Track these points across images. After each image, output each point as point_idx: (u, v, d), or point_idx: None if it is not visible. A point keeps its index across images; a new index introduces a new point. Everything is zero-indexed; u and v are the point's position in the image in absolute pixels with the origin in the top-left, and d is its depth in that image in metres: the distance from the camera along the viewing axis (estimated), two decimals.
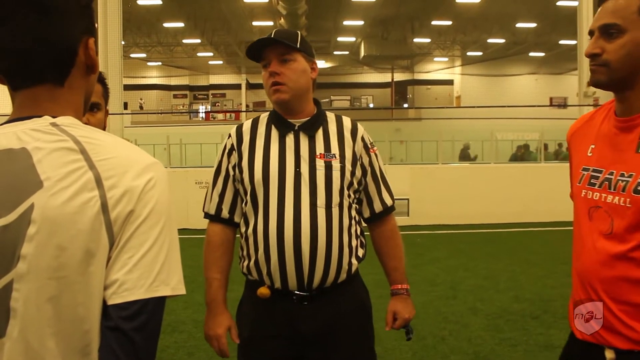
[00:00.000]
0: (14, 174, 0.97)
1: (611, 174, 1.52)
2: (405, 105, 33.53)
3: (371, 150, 2.11)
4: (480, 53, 30.09)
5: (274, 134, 2.02)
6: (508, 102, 26.31)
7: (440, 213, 9.92)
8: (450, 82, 33.72)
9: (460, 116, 21.51)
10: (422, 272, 6.66)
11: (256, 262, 1.97)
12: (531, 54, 28.74)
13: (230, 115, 28.71)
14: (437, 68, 33.55)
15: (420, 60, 32.61)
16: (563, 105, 25.06)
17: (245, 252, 2.03)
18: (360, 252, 2.08)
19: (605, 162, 1.56)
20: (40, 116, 1.03)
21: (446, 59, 32.66)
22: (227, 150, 2.07)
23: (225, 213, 2.08)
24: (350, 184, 2.02)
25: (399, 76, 34.08)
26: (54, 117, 1.04)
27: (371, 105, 33.82)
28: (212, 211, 2.10)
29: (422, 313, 5.08)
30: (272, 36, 1.96)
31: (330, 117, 2.09)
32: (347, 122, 2.10)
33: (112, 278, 0.97)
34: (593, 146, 1.62)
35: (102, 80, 1.85)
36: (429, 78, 34.04)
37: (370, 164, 2.10)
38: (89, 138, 1.02)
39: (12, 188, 0.96)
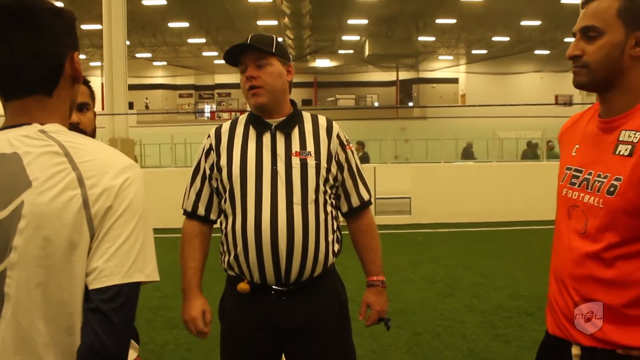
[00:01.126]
0: (6, 175, 1.10)
1: (590, 174, 1.56)
2: (410, 104, 33.55)
3: (347, 147, 2.17)
4: (485, 51, 30.10)
5: (252, 133, 2.09)
6: (514, 100, 26.31)
7: (442, 211, 9.96)
8: (455, 81, 33.75)
9: (465, 115, 21.53)
10: (421, 270, 6.72)
11: (235, 257, 2.04)
12: (536, 51, 28.74)
13: (236, 114, 28.68)
14: (442, 66, 33.58)
15: (425, 58, 32.65)
16: (569, 103, 25.01)
17: (225, 248, 2.10)
18: (336, 247, 2.14)
19: (586, 162, 1.60)
20: (30, 124, 1.16)
21: (451, 57, 32.69)
22: (205, 150, 2.14)
23: (201, 210, 2.15)
24: (326, 180, 2.08)
25: (403, 75, 34.15)
26: (42, 124, 1.16)
27: (376, 104, 33.86)
28: (189, 208, 2.17)
29: (419, 310, 5.16)
30: (248, 42, 2.03)
31: (306, 116, 2.16)
32: (322, 120, 2.16)
33: (93, 266, 1.09)
34: (578, 146, 1.65)
35: (86, 82, 1.94)
36: (434, 76, 34.07)
37: (347, 160, 2.16)
38: (72, 142, 1.14)
39: (5, 188, 1.09)
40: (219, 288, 2.25)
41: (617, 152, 1.49)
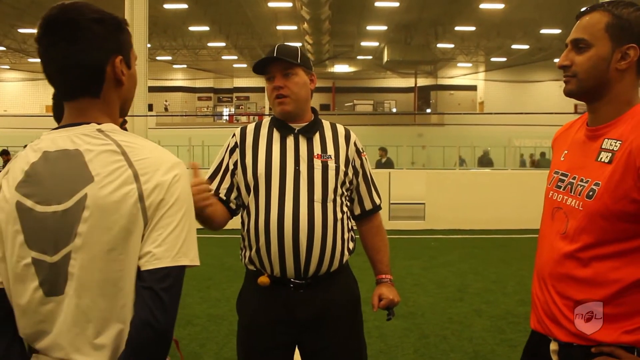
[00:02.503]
0: (70, 169, 1.27)
1: (574, 178, 1.66)
2: (428, 111, 33.53)
3: (362, 154, 2.33)
4: (504, 59, 29.99)
5: (276, 135, 2.23)
6: (532, 108, 26.19)
7: (456, 218, 10.01)
8: (473, 88, 33.63)
9: (483, 122, 21.49)
10: (432, 274, 6.80)
11: (257, 250, 2.16)
12: (556, 60, 28.51)
13: (254, 118, 29.02)
14: (460, 73, 33.49)
15: (443, 65, 32.59)
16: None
17: (246, 243, 2.22)
18: (351, 245, 2.28)
19: (572, 167, 1.70)
20: (87, 123, 1.33)
21: (470, 65, 32.61)
22: (230, 148, 2.28)
23: (222, 195, 2.26)
24: (343, 183, 2.23)
25: (422, 81, 34.09)
26: (99, 123, 1.33)
27: (394, 110, 33.88)
28: (212, 190, 2.25)
29: (428, 313, 5.24)
30: (275, 53, 2.18)
31: (326, 124, 2.31)
32: (341, 129, 2.32)
33: (146, 250, 1.25)
34: (566, 152, 1.76)
35: None
36: (452, 83, 33.99)
37: (362, 166, 2.32)
38: (127, 142, 1.32)
39: (70, 180, 1.26)
40: (235, 288, 2.37)
41: (599, 159, 1.58)
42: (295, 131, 2.22)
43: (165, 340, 1.24)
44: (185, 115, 30.19)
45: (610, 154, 1.56)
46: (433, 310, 5.36)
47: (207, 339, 4.54)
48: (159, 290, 1.22)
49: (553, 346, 1.67)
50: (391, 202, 10.09)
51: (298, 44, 27.89)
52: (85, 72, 1.31)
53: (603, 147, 1.59)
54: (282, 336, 2.19)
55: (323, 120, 2.32)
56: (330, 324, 2.20)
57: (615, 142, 1.55)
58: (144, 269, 1.24)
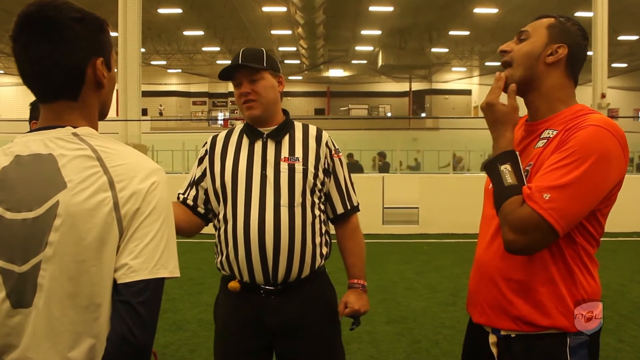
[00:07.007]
0: (42, 175, 1.20)
1: None
2: (423, 115, 33.61)
3: (335, 155, 2.26)
4: (498, 63, 29.94)
5: (245, 141, 2.21)
6: (526, 112, 26.25)
7: (449, 222, 9.97)
8: (468, 92, 33.74)
9: (477, 126, 21.54)
10: (425, 279, 6.77)
11: (227, 257, 2.15)
12: None
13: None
14: (455, 78, 33.60)
15: (438, 69, 32.68)
16: None
17: (218, 249, 2.21)
18: (324, 250, 2.23)
19: None
20: (63, 126, 1.26)
21: (464, 69, 32.70)
22: (199, 157, 2.28)
23: (189, 202, 2.26)
24: (314, 185, 2.18)
25: (416, 85, 34.20)
26: (74, 127, 1.26)
27: (389, 114, 33.95)
28: (180, 198, 2.28)
29: (420, 318, 5.22)
30: (240, 60, 2.15)
31: (297, 125, 2.27)
32: (312, 129, 2.28)
33: (122, 262, 1.18)
34: None
35: None
36: (446, 88, 34.10)
37: (335, 168, 2.26)
38: (103, 147, 1.24)
39: (41, 187, 1.19)
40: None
41: (536, 147, 1.69)
42: (264, 136, 2.19)
43: (143, 355, 1.18)
44: (180, 120, 30.18)
45: (545, 140, 1.67)
46: (425, 314, 5.33)
47: (198, 344, 4.50)
48: (136, 304, 1.16)
49: (492, 339, 1.72)
50: (385, 206, 10.08)
51: (292, 48, 27.66)
52: (65, 74, 1.24)
53: (541, 136, 1.69)
54: (253, 341, 2.16)
55: (295, 122, 2.28)
56: (303, 331, 2.16)
57: (552, 131, 1.66)
58: (121, 282, 1.17)
